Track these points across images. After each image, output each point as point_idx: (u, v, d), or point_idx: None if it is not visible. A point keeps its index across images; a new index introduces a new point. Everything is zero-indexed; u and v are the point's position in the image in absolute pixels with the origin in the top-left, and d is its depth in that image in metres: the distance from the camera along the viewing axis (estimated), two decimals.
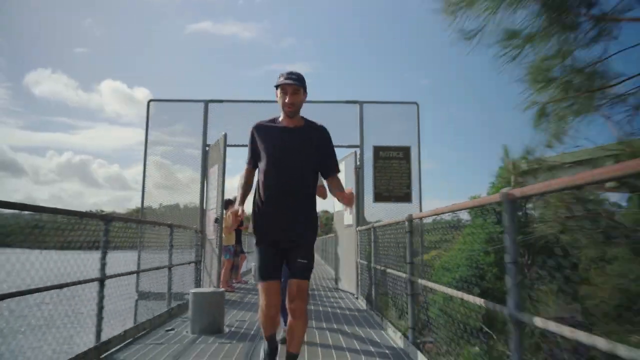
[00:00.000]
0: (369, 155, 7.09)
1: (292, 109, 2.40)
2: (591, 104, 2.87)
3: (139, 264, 5.65)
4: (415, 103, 7.27)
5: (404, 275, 3.68)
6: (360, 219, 6.82)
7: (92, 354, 3.05)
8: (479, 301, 2.24)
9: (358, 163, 7.09)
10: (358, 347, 3.55)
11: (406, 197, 7.08)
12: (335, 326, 4.40)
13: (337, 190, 2.50)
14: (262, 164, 2.46)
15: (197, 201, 6.86)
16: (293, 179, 2.40)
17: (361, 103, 7.20)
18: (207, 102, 7.13)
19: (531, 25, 2.99)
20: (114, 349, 3.41)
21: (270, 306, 2.37)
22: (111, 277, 3.49)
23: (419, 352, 3.09)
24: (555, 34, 2.92)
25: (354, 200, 2.42)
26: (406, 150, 7.16)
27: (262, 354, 2.78)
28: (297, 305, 2.36)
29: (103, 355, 3.20)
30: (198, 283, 6.18)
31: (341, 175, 7.63)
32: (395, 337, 3.80)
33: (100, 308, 3.25)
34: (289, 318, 2.44)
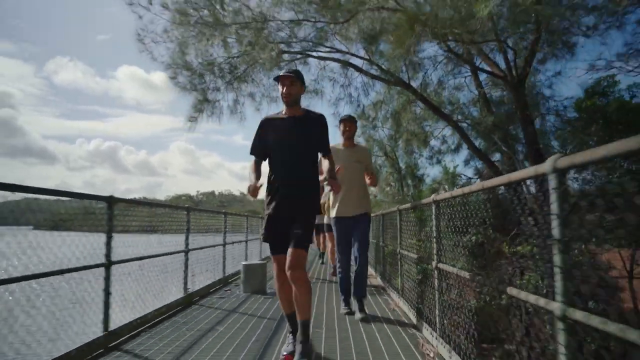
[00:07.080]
0: None
1: (288, 99, 2.66)
2: None
3: (223, 239, 6.99)
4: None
5: None
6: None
7: (185, 300, 4.58)
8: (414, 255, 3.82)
9: None
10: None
11: None
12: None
13: (328, 169, 2.75)
14: (271, 150, 2.75)
15: None
16: (295, 160, 2.67)
17: None
18: None
19: None
20: (197, 298, 4.90)
21: (280, 273, 2.65)
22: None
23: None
24: None
25: (338, 189, 2.73)
26: None
27: (288, 339, 2.77)
28: (296, 274, 2.47)
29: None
30: (246, 257, 8.41)
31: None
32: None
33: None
34: (293, 289, 2.52)
